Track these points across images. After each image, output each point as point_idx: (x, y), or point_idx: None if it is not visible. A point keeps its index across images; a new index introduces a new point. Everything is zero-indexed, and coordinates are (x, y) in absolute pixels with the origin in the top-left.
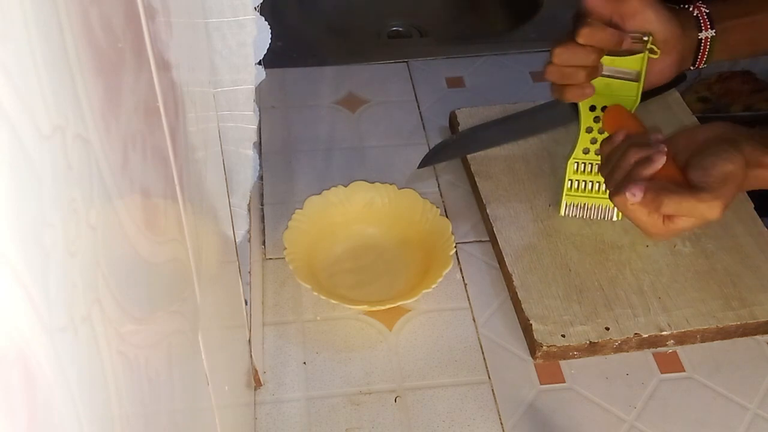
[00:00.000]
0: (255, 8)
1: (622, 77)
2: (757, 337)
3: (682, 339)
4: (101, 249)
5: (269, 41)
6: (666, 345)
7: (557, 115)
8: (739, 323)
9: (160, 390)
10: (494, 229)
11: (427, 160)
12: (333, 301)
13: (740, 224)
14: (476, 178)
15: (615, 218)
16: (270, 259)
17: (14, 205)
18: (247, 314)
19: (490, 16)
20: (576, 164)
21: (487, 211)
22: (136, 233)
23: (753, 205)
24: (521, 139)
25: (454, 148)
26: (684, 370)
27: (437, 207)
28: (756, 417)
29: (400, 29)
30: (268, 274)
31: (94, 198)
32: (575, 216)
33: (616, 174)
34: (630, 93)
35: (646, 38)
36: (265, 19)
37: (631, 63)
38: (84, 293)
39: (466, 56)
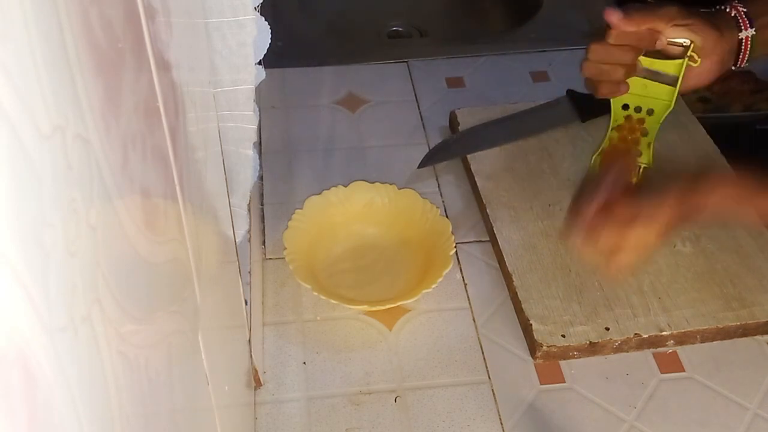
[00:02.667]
0: (255, 8)
1: (659, 80)
2: (757, 337)
3: (682, 339)
4: (101, 249)
5: (269, 41)
6: (666, 345)
7: (557, 115)
8: (739, 323)
9: (160, 390)
10: (494, 229)
11: (427, 160)
12: (333, 301)
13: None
14: (476, 178)
15: None
16: (270, 259)
17: (14, 205)
18: (247, 314)
19: (490, 16)
20: (601, 159)
21: (487, 211)
22: (136, 233)
23: None
24: (521, 139)
25: (454, 147)
26: (684, 370)
27: (437, 207)
28: (756, 417)
29: (400, 29)
30: (268, 274)
31: (94, 198)
32: None
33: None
34: (665, 96)
35: (686, 44)
36: (265, 19)
37: (670, 67)
38: (84, 293)
39: (466, 56)
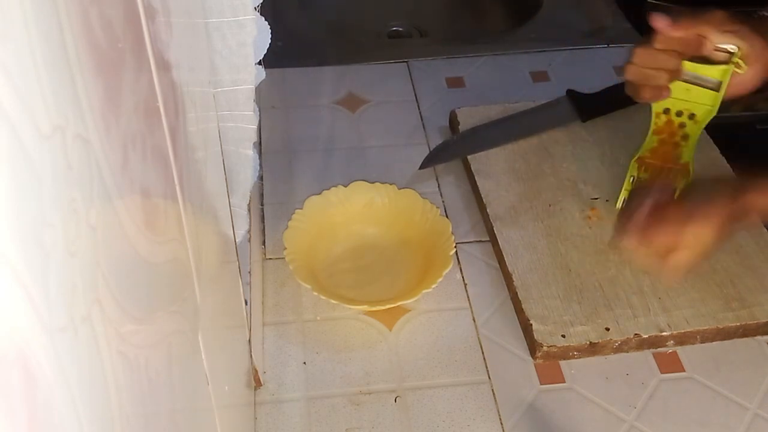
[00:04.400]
0: (255, 8)
1: (702, 85)
2: (757, 337)
3: (682, 339)
4: (101, 249)
5: (269, 41)
6: (666, 345)
7: (557, 115)
8: (738, 324)
9: (160, 390)
10: (494, 229)
11: (429, 161)
12: (333, 301)
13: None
14: (476, 178)
15: None
16: (270, 259)
17: (14, 205)
18: (247, 314)
19: (490, 16)
20: (640, 163)
21: (487, 211)
22: (136, 233)
23: None
24: (521, 139)
25: (455, 148)
26: (684, 370)
27: (437, 207)
28: (756, 417)
29: (400, 29)
30: (268, 274)
31: (94, 198)
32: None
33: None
34: (708, 102)
35: (733, 50)
36: (265, 19)
37: (714, 72)
38: (84, 293)
39: (466, 56)
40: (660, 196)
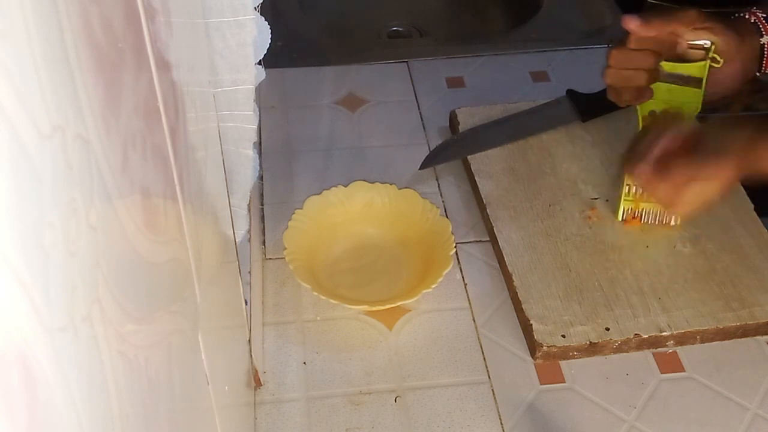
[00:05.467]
0: (255, 8)
1: (683, 83)
2: (757, 337)
3: (682, 339)
4: (101, 249)
5: (269, 41)
6: (666, 345)
7: (557, 115)
8: (738, 324)
9: (160, 390)
10: (494, 229)
11: (429, 161)
12: (333, 301)
13: (740, 225)
14: (476, 178)
15: (673, 222)
16: (270, 259)
17: (14, 205)
18: (247, 314)
19: (490, 16)
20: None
21: (487, 211)
22: (136, 233)
23: (753, 206)
24: (521, 139)
25: (455, 148)
26: (684, 370)
27: (437, 207)
28: (756, 417)
29: (400, 29)
30: (268, 274)
31: (94, 198)
32: (632, 220)
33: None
34: (691, 99)
35: (707, 46)
36: (265, 19)
37: (693, 69)
38: (84, 293)
39: (466, 56)
40: (670, 142)
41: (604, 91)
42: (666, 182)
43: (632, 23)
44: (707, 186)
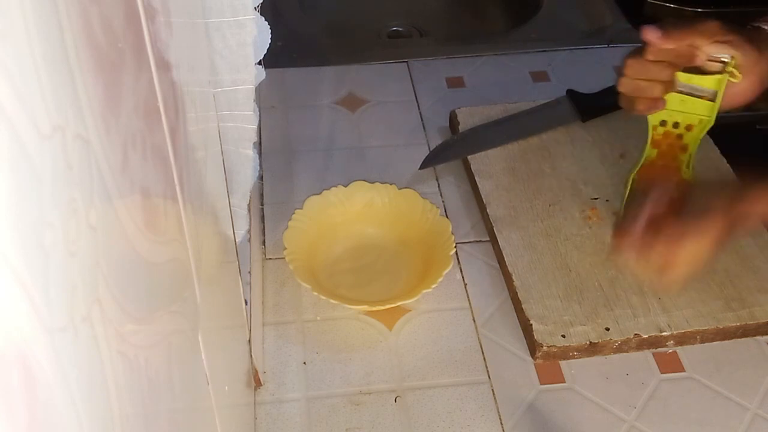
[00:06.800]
0: (255, 8)
1: (698, 95)
2: (757, 337)
3: (682, 340)
4: (101, 249)
5: (269, 41)
6: (666, 345)
7: (557, 115)
8: (738, 324)
9: (160, 390)
10: (494, 229)
11: (429, 161)
12: (333, 301)
13: None
14: (476, 178)
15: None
16: (270, 259)
17: (14, 206)
18: (247, 314)
19: (490, 16)
20: (639, 177)
21: (487, 211)
22: (136, 233)
23: None
24: (521, 139)
25: (455, 148)
26: (684, 370)
27: (437, 207)
28: (756, 417)
29: (400, 29)
30: (268, 274)
31: (94, 198)
32: None
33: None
34: (705, 112)
35: (727, 59)
36: (265, 19)
37: (709, 82)
38: (84, 293)
39: (466, 56)
40: (657, 207)
41: (604, 91)
42: (658, 244)
43: (652, 35)
44: (700, 243)
